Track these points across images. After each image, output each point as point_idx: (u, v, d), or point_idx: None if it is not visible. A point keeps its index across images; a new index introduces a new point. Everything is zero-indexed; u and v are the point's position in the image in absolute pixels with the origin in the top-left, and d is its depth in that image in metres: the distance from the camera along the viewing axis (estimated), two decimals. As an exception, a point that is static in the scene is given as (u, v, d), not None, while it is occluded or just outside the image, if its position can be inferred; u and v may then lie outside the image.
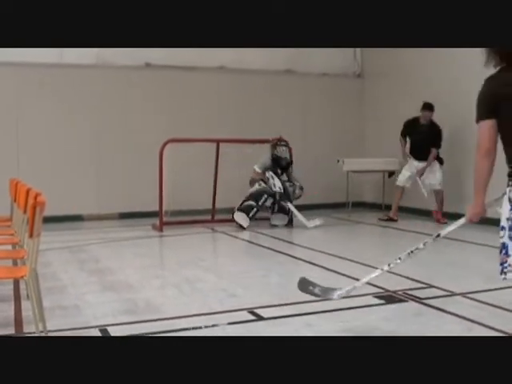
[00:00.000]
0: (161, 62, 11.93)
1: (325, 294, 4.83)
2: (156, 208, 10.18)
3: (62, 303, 5.65)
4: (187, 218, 10.81)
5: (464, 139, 10.62)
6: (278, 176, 10.72)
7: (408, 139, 11.33)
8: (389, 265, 4.79)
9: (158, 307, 5.53)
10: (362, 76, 13.84)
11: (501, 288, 6.03)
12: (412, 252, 4.73)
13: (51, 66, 11.13)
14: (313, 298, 5.53)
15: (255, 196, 10.47)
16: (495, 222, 9.21)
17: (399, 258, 4.75)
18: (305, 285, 4.95)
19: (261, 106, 12.59)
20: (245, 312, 5.29)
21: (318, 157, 12.94)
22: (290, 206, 10.68)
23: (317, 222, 10.67)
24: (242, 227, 10.24)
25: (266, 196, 10.47)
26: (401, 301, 5.67)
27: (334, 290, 4.82)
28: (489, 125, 3.79)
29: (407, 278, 6.51)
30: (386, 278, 6.51)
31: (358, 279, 6.41)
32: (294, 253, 8.43)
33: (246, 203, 10.46)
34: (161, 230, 10.06)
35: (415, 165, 11.14)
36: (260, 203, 10.42)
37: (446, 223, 10.25)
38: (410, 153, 11.28)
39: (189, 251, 8.68)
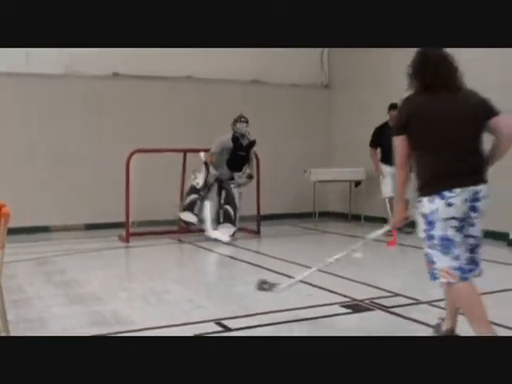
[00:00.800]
0: (128, 72, 11.92)
1: (271, 287, 5.65)
2: (123, 219, 10.13)
3: (28, 316, 5.59)
4: (154, 229, 10.78)
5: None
6: (208, 173, 10.31)
7: (379, 148, 10.85)
8: (322, 264, 5.58)
9: (125, 319, 5.49)
10: (330, 87, 13.92)
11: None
12: (343, 256, 5.46)
13: (17, 75, 11.06)
14: (279, 308, 5.57)
15: (192, 190, 10.36)
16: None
17: (331, 260, 5.49)
18: (260, 284, 5.75)
19: (228, 116, 12.58)
20: (212, 323, 5.28)
21: (287, 167, 12.99)
22: (206, 204, 10.38)
23: (222, 236, 10.04)
24: (191, 224, 10.20)
25: (202, 184, 10.28)
26: (367, 310, 5.69)
27: (278, 284, 5.68)
28: (401, 140, 4.34)
29: (373, 286, 6.55)
30: (352, 287, 6.56)
31: (322, 287, 6.47)
32: (261, 262, 8.43)
33: (188, 200, 10.35)
34: (127, 241, 10.02)
35: (389, 171, 10.21)
36: (201, 193, 10.31)
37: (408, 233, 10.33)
38: (382, 160, 10.73)
39: (155, 262, 8.65)
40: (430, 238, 4.26)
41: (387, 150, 10.08)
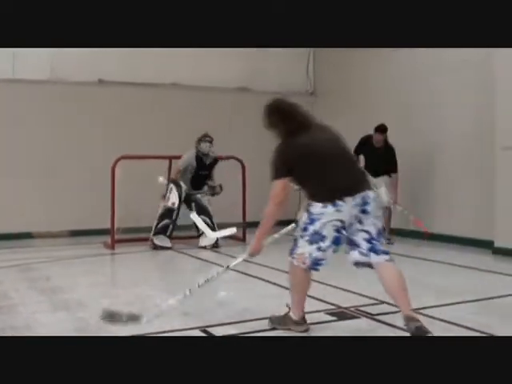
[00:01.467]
0: (114, 79, 11.90)
1: (132, 319, 5.23)
2: (108, 225, 10.10)
3: (13, 323, 5.56)
4: (139, 236, 10.74)
5: (421, 155, 10.76)
6: (180, 188, 10.22)
7: (363, 157, 10.74)
8: (189, 290, 5.56)
9: (109, 326, 5.47)
10: (315, 94, 13.96)
11: (452, 304, 6.14)
12: (208, 280, 5.62)
13: (2, 81, 11.02)
14: (265, 315, 5.57)
15: (166, 214, 10.23)
16: (446, 239, 9.33)
17: (198, 285, 5.60)
18: (109, 316, 5.27)
19: (214, 123, 12.60)
20: (197, 330, 5.28)
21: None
22: (192, 216, 10.24)
23: (227, 231, 9.91)
24: (167, 248, 10.13)
25: (177, 211, 10.16)
26: (353, 317, 5.70)
27: (140, 316, 5.26)
28: (283, 183, 5.34)
29: (359, 294, 6.56)
30: (337, 295, 6.57)
31: (309, 295, 6.46)
32: (246, 269, 8.42)
33: (161, 224, 10.20)
34: (112, 247, 9.99)
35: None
36: (174, 218, 10.17)
37: (391, 243, 10.24)
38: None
39: (140, 269, 8.63)
40: (305, 229, 5.16)
41: (370, 165, 10.31)
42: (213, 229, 10.19)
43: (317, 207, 5.06)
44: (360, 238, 5.12)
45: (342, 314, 5.78)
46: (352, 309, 5.94)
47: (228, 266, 5.76)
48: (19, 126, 11.27)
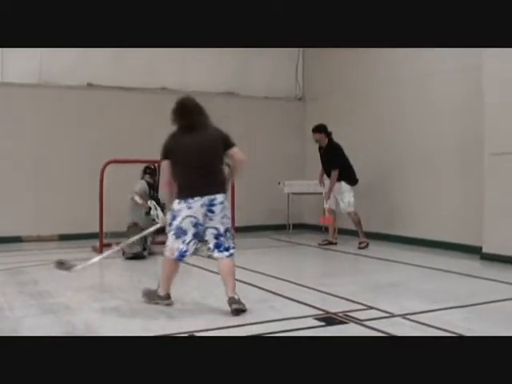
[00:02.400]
0: (103, 83, 11.90)
1: (69, 268, 6.73)
2: (97, 229, 10.08)
3: (0, 327, 5.55)
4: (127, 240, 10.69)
5: (409, 160, 10.78)
6: (159, 204, 9.81)
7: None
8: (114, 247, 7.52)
9: (96, 330, 5.46)
10: (304, 99, 13.98)
11: (440, 309, 6.16)
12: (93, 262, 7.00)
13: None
14: (252, 321, 5.56)
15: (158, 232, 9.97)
16: (435, 245, 9.34)
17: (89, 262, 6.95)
18: (58, 265, 6.74)
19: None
20: (184, 335, 5.26)
21: (261, 179, 13.01)
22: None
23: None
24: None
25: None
26: (341, 323, 5.70)
27: (74, 265, 6.76)
28: (166, 164, 6.22)
29: (347, 299, 6.57)
30: (325, 300, 6.58)
31: (294, 300, 6.47)
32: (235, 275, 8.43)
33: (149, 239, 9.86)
34: (101, 251, 9.95)
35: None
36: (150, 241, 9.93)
37: (365, 247, 10.51)
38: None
39: (128, 273, 8.62)
40: (170, 225, 6.09)
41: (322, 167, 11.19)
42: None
43: (176, 204, 6.05)
44: (209, 234, 6.08)
45: (330, 320, 5.77)
46: (340, 314, 5.93)
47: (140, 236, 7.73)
48: (8, 130, 11.25)
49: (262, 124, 13.41)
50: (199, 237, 6.10)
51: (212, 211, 6.00)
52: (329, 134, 10.96)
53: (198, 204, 5.95)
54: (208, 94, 12.78)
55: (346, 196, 10.75)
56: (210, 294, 6.98)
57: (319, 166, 13.08)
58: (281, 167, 13.27)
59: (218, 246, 6.10)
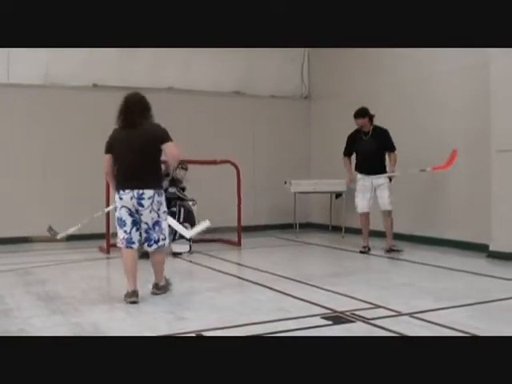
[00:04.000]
0: (108, 83, 11.90)
1: (54, 235, 8.37)
2: (103, 230, 10.10)
3: (8, 328, 5.55)
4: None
5: (416, 157, 10.76)
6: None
7: (355, 156, 10.22)
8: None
9: (105, 331, 5.47)
10: (310, 98, 13.98)
11: (448, 307, 6.15)
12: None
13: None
14: (260, 320, 5.57)
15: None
16: (441, 243, 9.31)
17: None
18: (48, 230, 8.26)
19: (209, 127, 12.63)
20: (192, 335, 5.27)
21: (266, 178, 13.02)
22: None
23: (201, 225, 8.55)
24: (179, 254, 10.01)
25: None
26: (348, 321, 5.70)
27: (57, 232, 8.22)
28: (107, 157, 6.71)
29: (354, 298, 6.56)
30: (332, 299, 6.57)
31: (301, 299, 6.47)
32: (242, 274, 8.45)
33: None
34: (108, 252, 9.98)
35: (366, 184, 9.88)
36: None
37: (398, 250, 9.78)
38: (358, 169, 10.07)
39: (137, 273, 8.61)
40: (116, 217, 6.63)
41: (360, 157, 10.03)
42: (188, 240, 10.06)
43: (115, 195, 6.62)
44: (142, 228, 6.60)
45: (337, 319, 5.77)
46: (347, 313, 5.93)
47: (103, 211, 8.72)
48: (15, 131, 11.28)
49: (268, 123, 13.41)
50: (137, 225, 6.59)
51: (141, 204, 6.46)
52: (372, 119, 9.99)
53: (128, 196, 6.46)
54: (214, 93, 12.83)
55: (388, 191, 9.81)
56: (218, 294, 6.99)
57: (325, 165, 13.14)
58: (287, 166, 13.28)
59: (148, 239, 6.68)
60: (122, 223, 6.57)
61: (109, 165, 6.71)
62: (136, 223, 6.58)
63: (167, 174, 7.43)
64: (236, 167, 10.84)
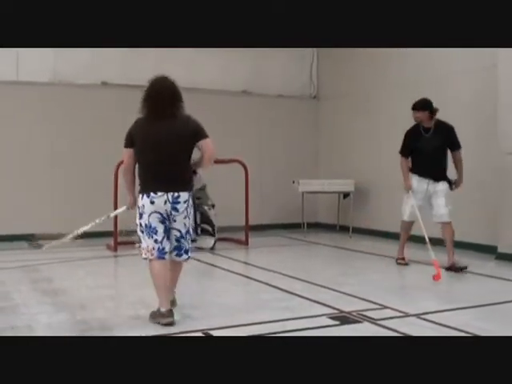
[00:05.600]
0: (117, 81, 11.91)
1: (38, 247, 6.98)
2: (111, 228, 10.10)
3: (15, 324, 5.56)
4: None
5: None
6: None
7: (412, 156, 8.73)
8: (98, 219, 6.73)
9: (111, 328, 5.47)
10: (318, 98, 13.96)
11: (455, 309, 6.13)
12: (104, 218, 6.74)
13: (7, 83, 11.05)
14: (267, 319, 5.56)
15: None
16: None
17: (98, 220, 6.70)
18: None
19: (217, 126, 12.60)
20: (199, 333, 5.27)
21: (274, 177, 13.02)
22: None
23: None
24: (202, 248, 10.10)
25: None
26: (355, 322, 5.69)
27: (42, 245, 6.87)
28: (128, 152, 5.74)
29: (361, 298, 6.55)
30: (340, 299, 6.56)
31: (311, 299, 6.46)
32: (249, 273, 8.44)
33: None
34: (115, 250, 9.99)
35: (420, 189, 8.52)
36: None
37: (462, 268, 8.27)
38: (414, 171, 8.62)
39: (143, 271, 8.59)
40: (140, 225, 5.64)
41: (418, 157, 8.62)
42: (212, 235, 10.29)
43: (140, 200, 5.62)
44: (172, 234, 5.68)
45: (344, 319, 5.76)
46: (354, 313, 5.92)
47: (109, 216, 6.98)
48: (23, 128, 11.29)
49: (276, 123, 13.40)
50: (169, 234, 5.65)
51: (176, 209, 5.54)
52: (434, 113, 8.53)
53: (161, 200, 5.50)
54: (222, 92, 12.82)
55: (445, 199, 8.48)
56: (225, 292, 6.99)
57: (333, 165, 13.10)
58: (295, 166, 13.26)
59: (178, 249, 5.74)
60: (152, 231, 5.55)
61: (129, 161, 5.74)
62: (167, 230, 5.61)
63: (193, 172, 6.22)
64: (244, 166, 10.83)
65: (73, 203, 11.51)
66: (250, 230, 10.96)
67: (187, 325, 5.57)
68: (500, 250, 9.10)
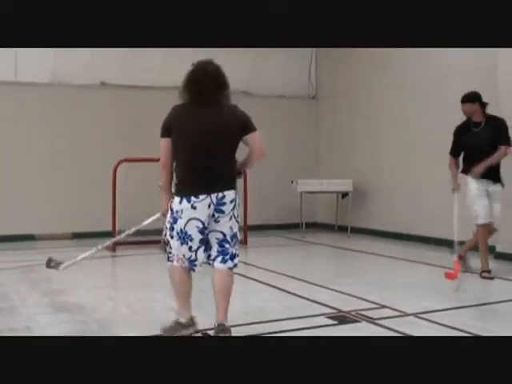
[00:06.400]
0: (116, 82, 11.91)
1: (56, 266, 5.96)
2: (110, 228, 10.10)
3: (13, 325, 5.56)
4: (141, 239, 10.71)
5: (424, 157, 10.73)
6: None
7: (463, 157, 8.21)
8: (98, 247, 6.01)
9: (109, 328, 5.48)
10: (317, 98, 13.96)
11: (453, 308, 6.14)
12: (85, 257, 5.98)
13: (6, 83, 11.07)
14: (264, 319, 5.56)
15: None
16: (447, 244, 9.28)
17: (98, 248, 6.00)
18: (47, 263, 6.06)
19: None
20: (198, 334, 5.27)
21: (273, 177, 13.01)
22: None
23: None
24: None
25: None
26: (354, 321, 5.69)
27: (61, 263, 5.94)
28: (166, 142, 5.02)
29: (360, 298, 6.56)
30: (338, 299, 6.57)
31: (310, 299, 6.46)
32: (248, 273, 8.43)
33: None
34: (113, 250, 9.98)
35: (482, 188, 7.87)
36: None
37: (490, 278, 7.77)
38: (466, 171, 8.01)
39: (142, 272, 8.62)
40: (172, 229, 4.96)
41: (469, 155, 8.03)
42: None
43: (176, 203, 4.92)
44: (213, 238, 5.04)
45: (342, 318, 5.77)
46: (353, 313, 5.93)
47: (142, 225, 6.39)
48: (22, 129, 11.29)
49: (275, 123, 13.37)
50: (205, 243, 5.03)
51: (221, 211, 4.91)
52: (484, 106, 7.97)
53: (204, 204, 4.84)
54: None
55: (500, 204, 7.99)
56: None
57: (332, 165, 13.10)
58: (294, 166, 13.25)
59: (223, 254, 5.09)
60: (187, 238, 4.91)
61: (167, 154, 5.04)
62: (204, 241, 5.00)
63: (239, 173, 5.42)
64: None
65: (73, 203, 11.53)
66: (249, 230, 10.96)
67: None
68: (498, 249, 9.10)
